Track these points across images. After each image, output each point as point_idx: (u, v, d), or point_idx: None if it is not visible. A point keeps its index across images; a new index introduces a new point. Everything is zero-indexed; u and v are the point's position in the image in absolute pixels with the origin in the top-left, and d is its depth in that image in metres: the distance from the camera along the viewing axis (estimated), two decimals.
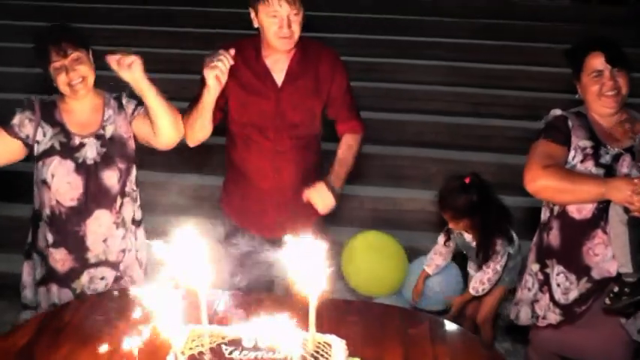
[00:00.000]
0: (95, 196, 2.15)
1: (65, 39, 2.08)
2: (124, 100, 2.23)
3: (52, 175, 2.12)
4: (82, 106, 2.17)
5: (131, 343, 1.66)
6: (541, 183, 1.97)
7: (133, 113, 2.22)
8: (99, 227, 2.17)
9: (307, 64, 2.24)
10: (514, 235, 2.70)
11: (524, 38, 5.50)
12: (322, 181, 2.24)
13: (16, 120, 2.11)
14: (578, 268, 2.03)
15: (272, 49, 2.20)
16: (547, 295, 2.11)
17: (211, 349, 1.55)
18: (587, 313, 2.04)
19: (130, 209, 2.25)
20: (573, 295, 2.04)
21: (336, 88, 2.30)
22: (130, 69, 2.00)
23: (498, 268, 2.59)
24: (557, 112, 2.09)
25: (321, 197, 2.21)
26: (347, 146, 2.36)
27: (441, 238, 2.82)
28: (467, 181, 2.56)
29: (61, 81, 2.09)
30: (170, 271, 1.47)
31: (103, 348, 1.67)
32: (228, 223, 2.47)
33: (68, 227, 2.14)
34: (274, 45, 2.16)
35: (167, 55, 5.23)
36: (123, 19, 5.86)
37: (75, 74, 2.08)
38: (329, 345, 1.57)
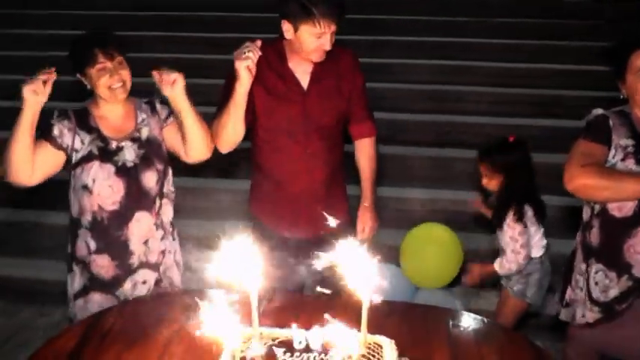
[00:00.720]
0: (136, 199, 2.15)
1: (112, 42, 2.12)
2: (158, 105, 2.25)
3: (94, 180, 2.12)
4: (115, 112, 2.19)
5: (179, 346, 1.68)
6: (579, 181, 1.97)
7: (165, 119, 2.24)
8: (140, 229, 2.17)
9: (329, 64, 2.26)
10: (541, 233, 2.66)
11: (541, 36, 5.49)
12: (362, 209, 2.47)
13: (56, 131, 2.11)
14: (619, 265, 2.02)
15: (299, 56, 2.22)
16: (585, 294, 2.11)
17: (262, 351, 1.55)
18: (628, 311, 2.03)
19: (168, 211, 2.26)
20: (613, 292, 2.03)
21: (354, 87, 2.35)
22: (172, 86, 2.04)
23: (512, 236, 2.56)
24: (599, 111, 2.09)
25: (368, 226, 2.47)
26: (368, 158, 2.47)
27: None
28: (510, 139, 2.62)
29: (103, 83, 2.10)
30: (215, 273, 1.46)
31: (151, 350, 1.67)
32: (259, 227, 2.48)
33: (110, 232, 2.14)
34: (309, 57, 2.19)
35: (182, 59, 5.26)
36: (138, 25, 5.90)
37: (118, 77, 2.10)
38: (379, 346, 1.57)
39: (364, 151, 2.47)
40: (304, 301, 1.93)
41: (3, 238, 3.82)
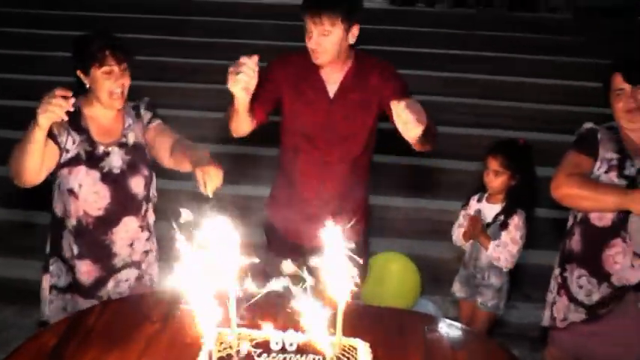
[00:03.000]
0: (123, 204, 2.17)
1: (122, 47, 2.11)
2: (142, 110, 2.26)
3: (80, 185, 2.12)
4: (106, 113, 2.18)
5: (158, 345, 1.70)
6: (563, 190, 2.07)
7: (148, 124, 2.25)
8: (126, 233, 2.19)
9: (360, 77, 2.28)
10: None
11: (529, 51, 5.58)
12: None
13: (55, 128, 2.06)
14: (599, 273, 2.09)
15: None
16: (564, 297, 2.18)
17: (239, 351, 1.58)
18: (608, 317, 2.10)
19: (152, 214, 2.29)
20: (595, 297, 2.11)
21: (386, 98, 2.17)
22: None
23: (517, 239, 2.59)
24: (589, 124, 2.18)
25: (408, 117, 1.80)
26: None
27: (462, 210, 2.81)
28: (522, 141, 2.68)
29: (106, 87, 2.09)
30: (195, 271, 1.48)
31: (131, 350, 1.69)
32: (268, 226, 2.52)
33: (95, 237, 2.15)
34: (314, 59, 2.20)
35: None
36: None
37: (119, 83, 2.10)
38: (354, 348, 1.61)
39: None
40: (281, 303, 1.95)
41: None
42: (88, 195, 2.12)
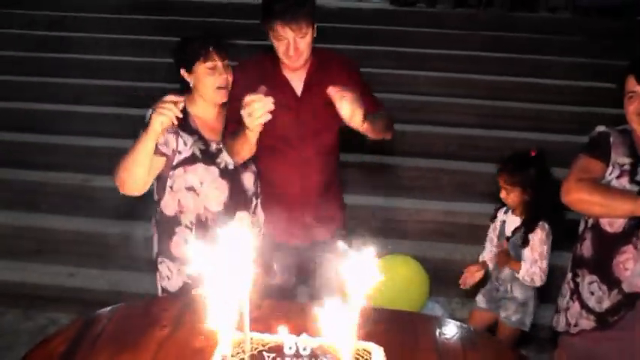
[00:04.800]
0: (237, 199, 2.25)
1: (223, 44, 2.19)
2: None
3: (201, 182, 2.19)
4: (210, 112, 2.26)
5: (169, 350, 1.69)
6: (573, 195, 2.03)
7: None
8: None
9: (323, 72, 2.29)
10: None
11: (530, 51, 5.59)
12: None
13: (161, 140, 2.12)
14: (609, 279, 2.06)
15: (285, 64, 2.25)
16: (577, 304, 2.16)
17: (252, 355, 1.57)
18: (619, 323, 2.08)
19: (261, 211, 2.36)
20: (606, 304, 2.08)
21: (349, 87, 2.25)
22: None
23: (545, 253, 2.53)
24: (601, 128, 2.14)
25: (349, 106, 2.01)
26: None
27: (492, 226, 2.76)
28: (532, 153, 2.61)
29: (211, 82, 2.17)
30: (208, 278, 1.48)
31: (141, 356, 1.68)
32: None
33: (213, 232, 2.18)
34: (284, 62, 2.21)
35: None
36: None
37: (223, 78, 2.18)
38: (368, 352, 1.60)
39: None
40: (294, 308, 1.94)
41: None
42: (210, 191, 2.20)
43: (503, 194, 2.61)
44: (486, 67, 5.40)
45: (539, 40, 5.81)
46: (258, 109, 1.90)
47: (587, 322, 2.13)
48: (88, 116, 4.64)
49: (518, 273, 2.55)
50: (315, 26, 2.18)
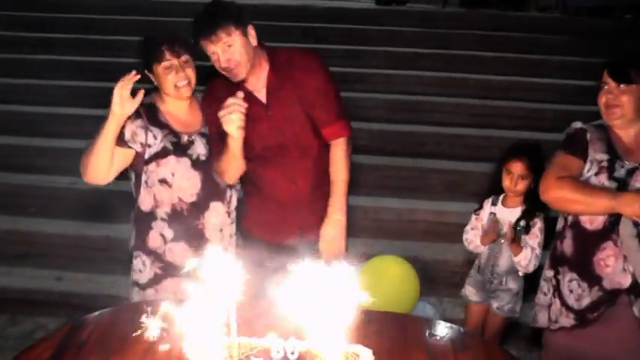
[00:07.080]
0: (211, 190, 2.26)
1: (178, 41, 2.19)
2: None
3: (173, 174, 2.21)
4: (181, 107, 2.27)
5: (155, 356, 1.67)
6: (553, 194, 2.04)
7: None
8: (216, 218, 2.28)
9: (282, 73, 2.24)
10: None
11: (520, 50, 5.60)
12: (330, 223, 2.30)
13: (127, 134, 2.17)
14: (590, 277, 2.06)
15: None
16: (558, 301, 2.15)
17: None
18: (600, 320, 2.07)
19: (234, 200, 2.38)
20: (586, 301, 2.08)
21: (309, 91, 2.24)
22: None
23: (542, 241, 2.56)
24: (578, 124, 2.14)
25: (330, 247, 2.31)
26: (335, 162, 2.33)
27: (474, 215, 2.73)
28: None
29: (169, 81, 2.18)
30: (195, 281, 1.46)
31: None
32: (247, 236, 2.49)
33: (189, 222, 2.24)
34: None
35: None
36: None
37: (183, 75, 2.18)
38: (357, 355, 1.58)
39: (333, 157, 2.32)
40: (282, 310, 1.92)
41: None
42: (182, 182, 2.22)
43: (513, 181, 2.56)
44: (476, 67, 5.39)
45: (529, 39, 5.82)
46: (232, 104, 2.01)
47: (567, 320, 2.12)
48: (74, 118, 4.58)
49: (516, 256, 2.55)
50: (249, 27, 2.14)
